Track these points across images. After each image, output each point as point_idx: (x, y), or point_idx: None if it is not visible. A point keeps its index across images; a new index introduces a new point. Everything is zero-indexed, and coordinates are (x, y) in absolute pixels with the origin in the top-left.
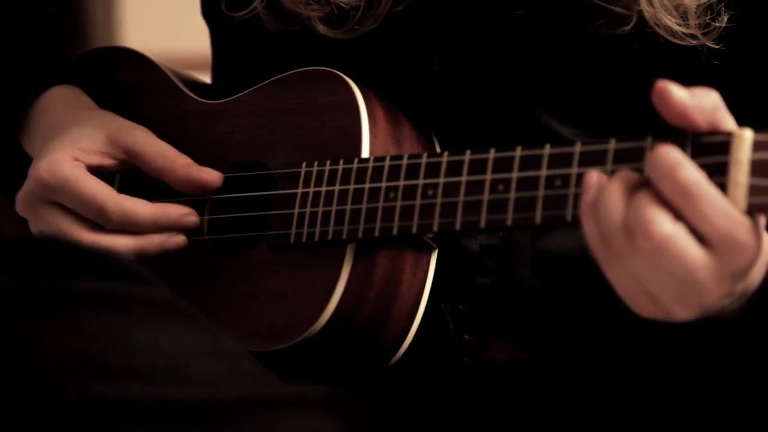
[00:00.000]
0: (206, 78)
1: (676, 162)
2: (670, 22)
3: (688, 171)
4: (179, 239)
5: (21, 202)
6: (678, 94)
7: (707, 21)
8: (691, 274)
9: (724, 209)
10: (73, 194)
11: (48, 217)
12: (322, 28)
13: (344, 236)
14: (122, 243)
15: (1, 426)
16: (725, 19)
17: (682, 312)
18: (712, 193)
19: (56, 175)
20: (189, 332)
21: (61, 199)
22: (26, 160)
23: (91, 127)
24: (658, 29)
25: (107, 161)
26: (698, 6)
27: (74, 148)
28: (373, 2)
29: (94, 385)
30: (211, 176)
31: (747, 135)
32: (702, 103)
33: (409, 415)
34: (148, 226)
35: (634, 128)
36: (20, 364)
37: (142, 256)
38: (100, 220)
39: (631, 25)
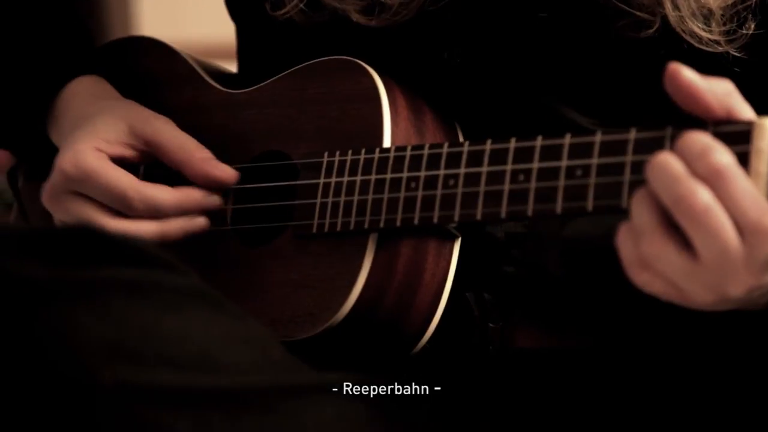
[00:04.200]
0: (224, 65)
1: (708, 145)
2: (696, 26)
3: (720, 154)
4: (200, 221)
5: (46, 194)
6: (689, 75)
7: (734, 28)
8: (724, 256)
9: (754, 195)
10: (96, 184)
11: (72, 207)
12: (356, 17)
13: (366, 226)
14: (145, 228)
15: (35, 411)
16: (752, 26)
17: (704, 297)
18: (742, 178)
19: (79, 167)
20: (218, 319)
21: (85, 189)
22: (53, 150)
23: (114, 117)
24: (683, 35)
25: (129, 152)
26: (724, 9)
27: (97, 139)
28: None
29: (124, 372)
30: (226, 173)
31: None
32: (714, 88)
33: (435, 402)
34: (171, 210)
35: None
36: (52, 351)
37: (166, 240)
38: (123, 207)
39: (654, 28)
